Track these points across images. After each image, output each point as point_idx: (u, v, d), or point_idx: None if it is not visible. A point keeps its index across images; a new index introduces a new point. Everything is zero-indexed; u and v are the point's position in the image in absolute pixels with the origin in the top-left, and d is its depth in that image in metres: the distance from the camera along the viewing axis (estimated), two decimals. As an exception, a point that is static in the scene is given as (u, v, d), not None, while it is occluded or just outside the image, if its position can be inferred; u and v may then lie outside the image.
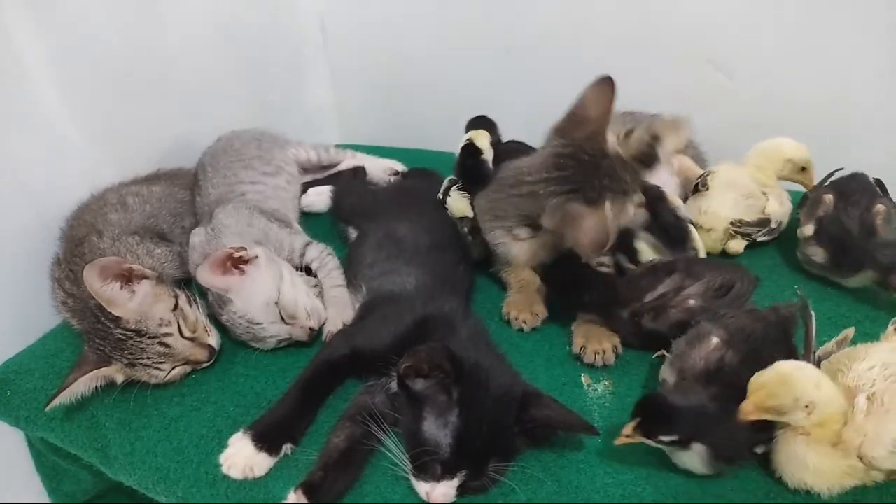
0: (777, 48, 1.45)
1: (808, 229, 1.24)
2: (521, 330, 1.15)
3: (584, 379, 1.04)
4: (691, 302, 1.03)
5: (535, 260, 1.20)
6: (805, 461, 0.81)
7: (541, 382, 1.00)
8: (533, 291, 1.20)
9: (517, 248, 1.18)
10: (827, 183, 1.30)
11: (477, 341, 1.00)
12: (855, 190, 1.25)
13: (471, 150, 1.38)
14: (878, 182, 1.29)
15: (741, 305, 1.04)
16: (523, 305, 1.17)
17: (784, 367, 0.82)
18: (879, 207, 1.19)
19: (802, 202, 1.30)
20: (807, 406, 0.80)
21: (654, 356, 1.06)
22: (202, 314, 1.11)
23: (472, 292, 1.24)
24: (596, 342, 1.07)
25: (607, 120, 1.02)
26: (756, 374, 0.83)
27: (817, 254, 1.21)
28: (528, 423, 0.88)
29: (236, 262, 1.07)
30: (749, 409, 0.82)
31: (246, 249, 1.07)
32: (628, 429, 0.85)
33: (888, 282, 1.14)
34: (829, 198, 1.23)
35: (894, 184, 1.29)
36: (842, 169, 1.31)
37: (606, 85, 1.02)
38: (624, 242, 1.18)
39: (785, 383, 0.80)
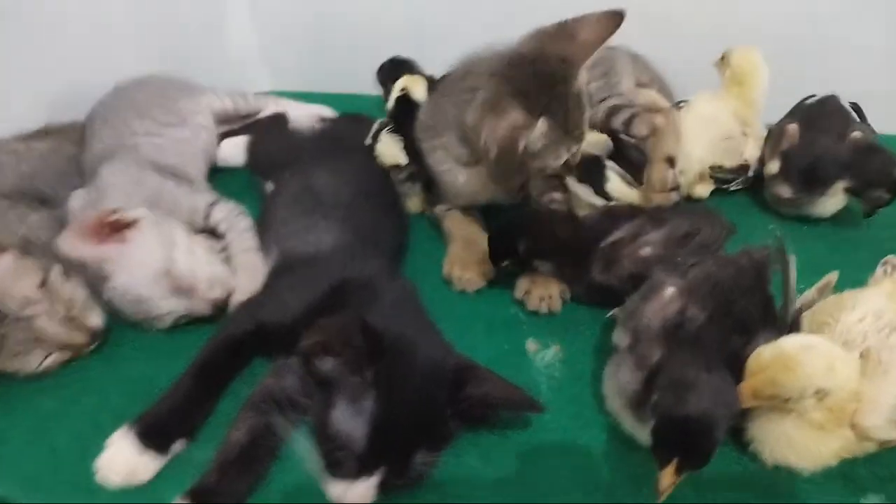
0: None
1: (773, 166, 1.15)
2: (463, 291, 1.06)
3: (530, 345, 0.95)
4: (647, 250, 0.92)
5: (485, 194, 1.10)
6: (791, 442, 0.71)
7: (480, 351, 0.90)
8: (480, 248, 1.08)
9: (464, 177, 1.07)
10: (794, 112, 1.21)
11: (403, 307, 0.90)
12: (825, 116, 1.16)
13: (406, 101, 1.24)
14: (855, 106, 1.19)
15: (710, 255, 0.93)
16: (468, 262, 1.07)
17: (788, 347, 0.69)
18: (856, 135, 1.09)
19: (767, 136, 1.21)
20: (817, 392, 0.67)
21: (609, 315, 0.94)
22: (82, 289, 0.96)
23: (404, 250, 1.13)
24: (542, 287, 1.01)
25: (592, 51, 0.95)
26: (755, 352, 0.71)
27: (785, 191, 1.13)
28: (463, 402, 0.78)
29: (114, 227, 0.92)
30: (746, 397, 0.69)
31: (123, 211, 0.93)
32: (668, 475, 0.67)
33: (865, 195, 1.09)
34: (792, 128, 1.13)
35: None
36: (813, 96, 1.21)
37: (614, 18, 0.95)
38: (591, 171, 1.10)
39: (789, 369, 0.67)
